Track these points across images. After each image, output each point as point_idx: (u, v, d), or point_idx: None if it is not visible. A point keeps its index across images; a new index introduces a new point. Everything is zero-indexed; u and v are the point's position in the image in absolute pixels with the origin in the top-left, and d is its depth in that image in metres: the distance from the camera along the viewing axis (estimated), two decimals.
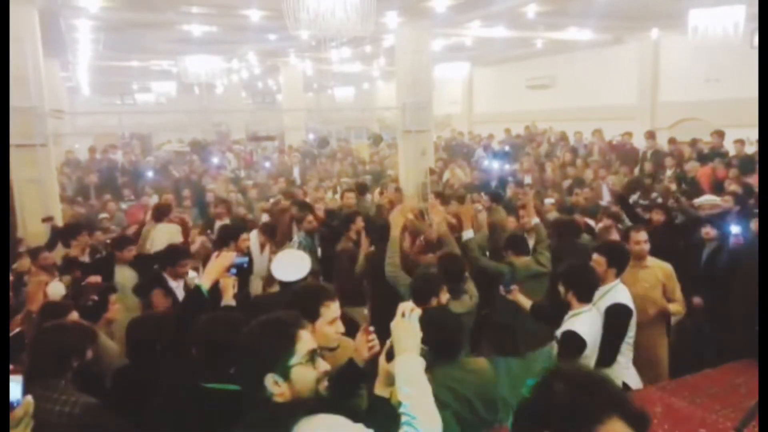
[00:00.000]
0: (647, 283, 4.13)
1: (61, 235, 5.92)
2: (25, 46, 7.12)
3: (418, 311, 1.81)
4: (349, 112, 21.24)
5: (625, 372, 3.50)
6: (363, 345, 2.19)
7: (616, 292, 3.57)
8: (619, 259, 3.68)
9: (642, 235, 4.30)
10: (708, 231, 5.04)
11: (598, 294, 3.56)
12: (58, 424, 2.27)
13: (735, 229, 4.72)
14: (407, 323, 1.77)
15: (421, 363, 1.75)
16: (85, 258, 5.57)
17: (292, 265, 3.61)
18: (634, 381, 3.53)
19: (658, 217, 5.67)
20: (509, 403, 3.25)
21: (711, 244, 5.04)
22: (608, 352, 3.43)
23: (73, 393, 2.37)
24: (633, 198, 7.18)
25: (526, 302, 3.88)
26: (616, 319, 3.44)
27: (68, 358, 2.44)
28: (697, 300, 4.80)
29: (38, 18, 7.65)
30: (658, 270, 4.26)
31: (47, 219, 6.93)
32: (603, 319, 3.45)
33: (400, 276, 4.03)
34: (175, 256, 4.42)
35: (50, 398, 2.31)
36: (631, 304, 3.51)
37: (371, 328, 2.19)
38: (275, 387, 1.59)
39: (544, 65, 16.70)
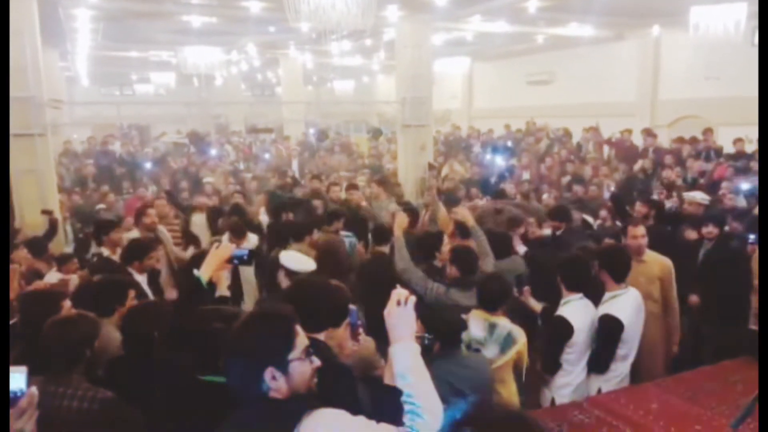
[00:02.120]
0: (644, 277, 4.10)
1: (94, 232, 5.81)
2: (24, 36, 7.08)
3: (413, 299, 1.79)
4: (348, 106, 21.18)
5: (601, 378, 3.49)
6: (345, 339, 2.17)
7: (615, 301, 3.48)
8: (611, 262, 3.58)
9: (639, 230, 4.29)
10: (710, 230, 5.00)
11: (603, 299, 3.55)
12: (76, 420, 2.23)
13: (752, 236, 4.68)
14: (403, 311, 1.75)
15: (417, 350, 1.74)
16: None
17: (300, 257, 3.64)
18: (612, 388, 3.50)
19: (643, 210, 5.61)
20: None
21: (707, 243, 5.01)
22: (600, 360, 3.44)
23: (89, 387, 2.32)
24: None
25: (537, 306, 3.85)
26: (605, 330, 3.41)
27: (79, 352, 2.40)
28: (693, 298, 4.80)
29: (37, 7, 7.60)
30: (655, 265, 4.24)
31: (46, 212, 6.91)
32: (598, 328, 3.46)
33: (412, 269, 4.06)
34: (141, 249, 4.34)
35: (64, 394, 2.27)
36: (626, 316, 3.41)
37: (359, 322, 2.17)
38: (273, 381, 1.58)
39: (545, 61, 16.67)
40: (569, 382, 3.39)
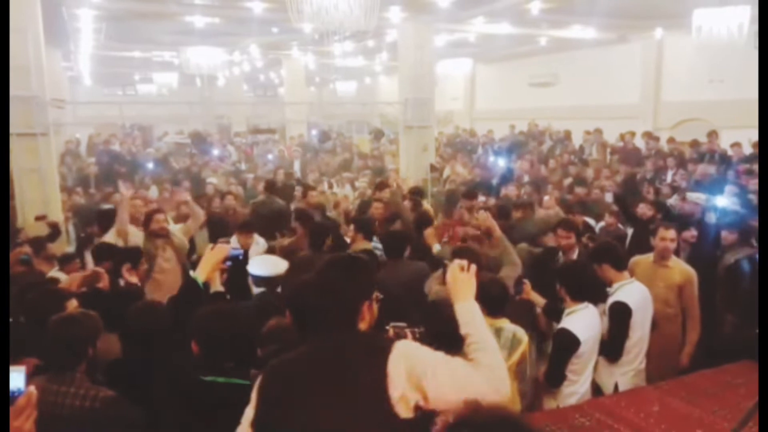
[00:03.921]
0: (663, 282, 4.05)
1: (98, 222, 5.83)
2: (27, 35, 7.09)
3: (474, 266, 2.05)
4: (350, 107, 21.20)
5: (617, 371, 3.53)
6: None
7: (622, 290, 3.57)
8: (608, 255, 3.68)
9: (670, 233, 4.11)
10: (692, 234, 5.04)
11: (610, 291, 3.62)
12: (78, 419, 2.22)
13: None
14: (465, 275, 2.01)
15: (477, 307, 1.97)
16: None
17: (268, 261, 3.58)
18: (629, 384, 3.54)
19: (649, 212, 5.62)
20: None
21: (683, 245, 5.00)
22: (612, 348, 3.49)
23: (91, 387, 2.32)
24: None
25: (539, 300, 3.83)
26: (615, 316, 3.49)
27: (81, 350, 2.38)
28: None
29: (40, 7, 7.62)
30: (677, 272, 4.12)
31: (40, 217, 6.90)
32: (608, 316, 3.52)
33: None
34: (135, 256, 4.36)
35: (67, 393, 2.26)
36: (633, 302, 3.50)
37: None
38: (367, 313, 1.88)
39: (547, 63, 16.66)
40: (575, 390, 3.36)
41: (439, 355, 1.76)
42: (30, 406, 1.48)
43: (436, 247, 5.09)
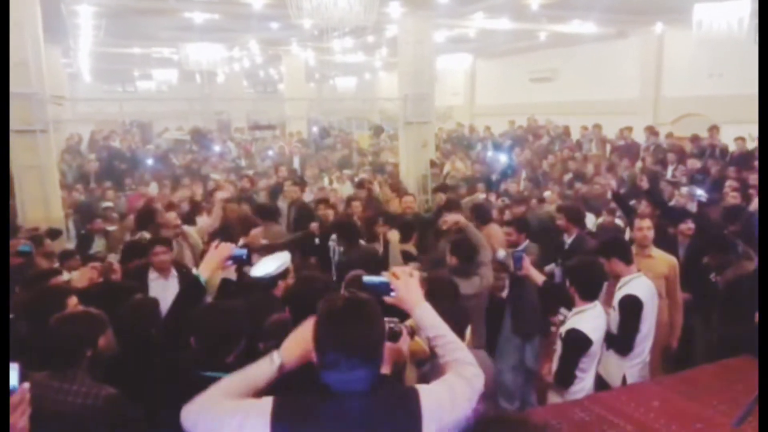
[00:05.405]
0: (651, 273, 4.10)
1: (139, 219, 5.89)
2: (26, 32, 7.07)
3: (416, 272, 2.08)
4: (350, 103, 21.17)
5: (625, 364, 3.55)
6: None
7: (631, 284, 3.63)
8: (616, 249, 3.76)
9: (644, 222, 4.39)
10: (689, 226, 5.09)
11: (619, 285, 3.67)
12: (80, 416, 2.23)
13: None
14: (411, 280, 2.01)
15: (432, 308, 1.99)
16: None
17: (270, 258, 3.53)
18: (637, 376, 3.55)
19: (647, 210, 5.69)
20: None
21: (681, 238, 5.08)
22: (623, 341, 3.52)
23: (93, 384, 2.32)
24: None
25: (539, 277, 3.83)
26: (626, 309, 3.52)
27: (82, 348, 2.38)
28: (684, 295, 4.80)
29: (40, 3, 7.60)
30: (662, 262, 4.29)
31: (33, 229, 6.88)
32: (617, 311, 3.54)
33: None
34: (139, 251, 4.33)
35: (69, 391, 2.27)
36: (643, 295, 3.54)
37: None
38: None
39: (547, 58, 16.63)
40: (582, 387, 3.35)
41: (444, 386, 1.78)
42: (24, 403, 1.49)
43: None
